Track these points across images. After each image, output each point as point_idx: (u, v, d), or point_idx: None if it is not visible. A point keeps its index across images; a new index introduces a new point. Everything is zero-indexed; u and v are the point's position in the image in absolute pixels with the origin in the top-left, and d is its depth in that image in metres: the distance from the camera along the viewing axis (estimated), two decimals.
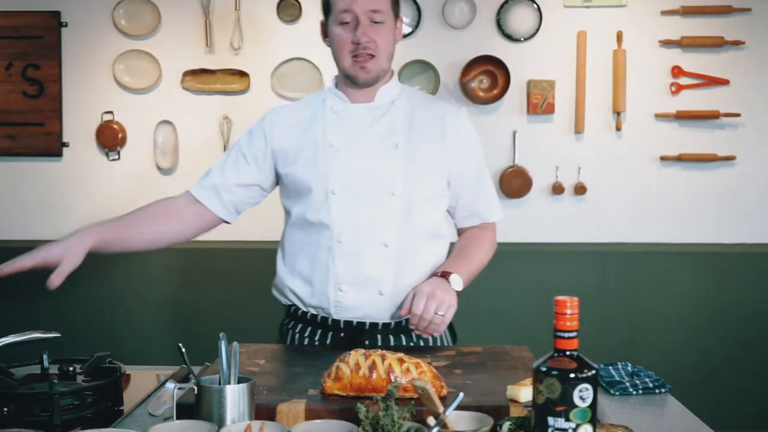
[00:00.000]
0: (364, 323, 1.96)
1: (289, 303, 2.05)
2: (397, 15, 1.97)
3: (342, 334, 1.97)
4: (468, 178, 2.05)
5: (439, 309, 1.84)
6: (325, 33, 2.00)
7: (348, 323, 1.96)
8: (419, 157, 1.96)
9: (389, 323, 1.97)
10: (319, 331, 2.00)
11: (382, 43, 1.92)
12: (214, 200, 2.03)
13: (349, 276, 1.93)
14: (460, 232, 2.14)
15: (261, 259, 3.66)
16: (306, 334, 2.01)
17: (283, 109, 2.09)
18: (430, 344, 2.00)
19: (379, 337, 1.97)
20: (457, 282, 1.92)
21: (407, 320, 1.93)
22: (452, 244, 2.10)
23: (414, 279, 1.95)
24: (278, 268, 2.06)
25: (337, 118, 1.98)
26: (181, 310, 3.63)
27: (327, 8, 1.97)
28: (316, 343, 1.99)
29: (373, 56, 1.92)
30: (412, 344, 1.99)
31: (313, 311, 2.00)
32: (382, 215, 1.93)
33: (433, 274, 1.95)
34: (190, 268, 3.64)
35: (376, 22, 1.90)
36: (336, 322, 1.96)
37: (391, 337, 1.97)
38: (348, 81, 1.97)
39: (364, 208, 1.93)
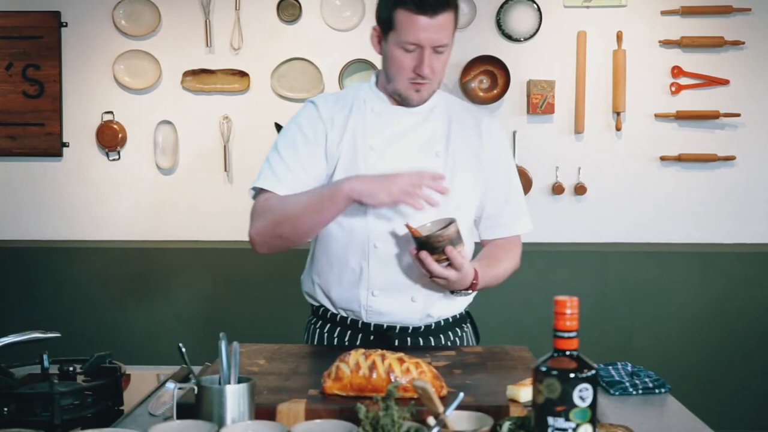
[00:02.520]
0: (394, 326, 1.94)
1: (318, 304, 2.02)
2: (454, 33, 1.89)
3: (372, 337, 1.94)
4: (496, 185, 1.99)
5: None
6: (379, 41, 1.89)
7: (378, 326, 1.94)
8: (458, 164, 1.92)
9: (419, 326, 1.95)
10: (349, 332, 1.96)
11: (440, 68, 1.86)
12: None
13: (383, 281, 1.90)
14: (484, 244, 2.05)
15: (262, 259, 3.67)
16: (335, 335, 1.98)
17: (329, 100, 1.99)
18: (458, 344, 1.99)
19: (408, 339, 1.95)
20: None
21: (437, 323, 1.94)
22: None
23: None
24: (307, 267, 2.03)
25: (378, 121, 1.92)
26: (182, 310, 3.63)
27: (387, 25, 1.84)
28: (346, 343, 1.96)
29: (428, 82, 1.86)
30: (441, 344, 1.97)
31: (343, 313, 1.97)
32: (419, 221, 1.87)
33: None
34: (190, 268, 3.64)
35: (439, 52, 1.83)
36: (366, 324, 1.94)
37: (421, 339, 1.95)
38: (398, 98, 1.91)
39: (401, 215, 1.87)
